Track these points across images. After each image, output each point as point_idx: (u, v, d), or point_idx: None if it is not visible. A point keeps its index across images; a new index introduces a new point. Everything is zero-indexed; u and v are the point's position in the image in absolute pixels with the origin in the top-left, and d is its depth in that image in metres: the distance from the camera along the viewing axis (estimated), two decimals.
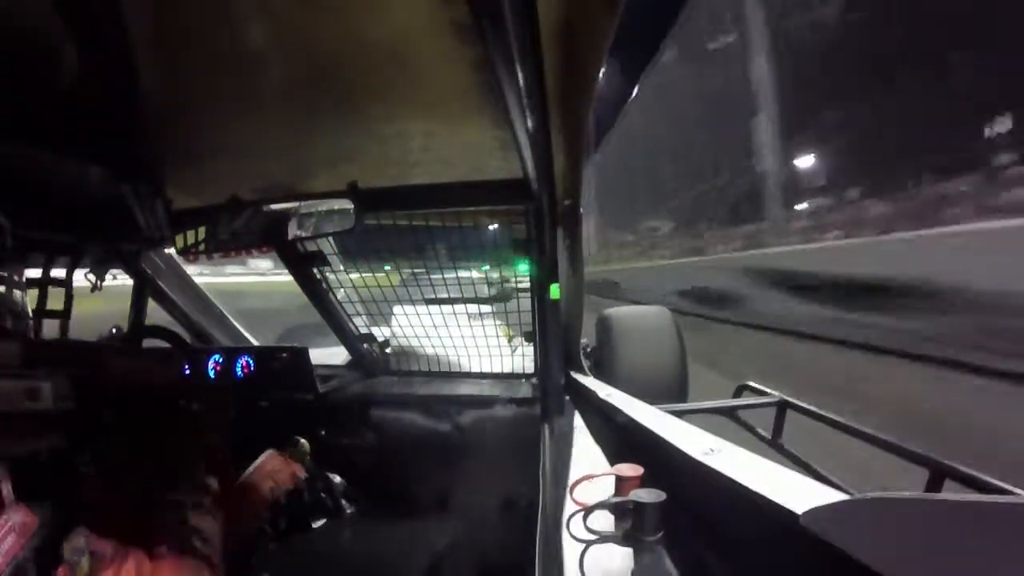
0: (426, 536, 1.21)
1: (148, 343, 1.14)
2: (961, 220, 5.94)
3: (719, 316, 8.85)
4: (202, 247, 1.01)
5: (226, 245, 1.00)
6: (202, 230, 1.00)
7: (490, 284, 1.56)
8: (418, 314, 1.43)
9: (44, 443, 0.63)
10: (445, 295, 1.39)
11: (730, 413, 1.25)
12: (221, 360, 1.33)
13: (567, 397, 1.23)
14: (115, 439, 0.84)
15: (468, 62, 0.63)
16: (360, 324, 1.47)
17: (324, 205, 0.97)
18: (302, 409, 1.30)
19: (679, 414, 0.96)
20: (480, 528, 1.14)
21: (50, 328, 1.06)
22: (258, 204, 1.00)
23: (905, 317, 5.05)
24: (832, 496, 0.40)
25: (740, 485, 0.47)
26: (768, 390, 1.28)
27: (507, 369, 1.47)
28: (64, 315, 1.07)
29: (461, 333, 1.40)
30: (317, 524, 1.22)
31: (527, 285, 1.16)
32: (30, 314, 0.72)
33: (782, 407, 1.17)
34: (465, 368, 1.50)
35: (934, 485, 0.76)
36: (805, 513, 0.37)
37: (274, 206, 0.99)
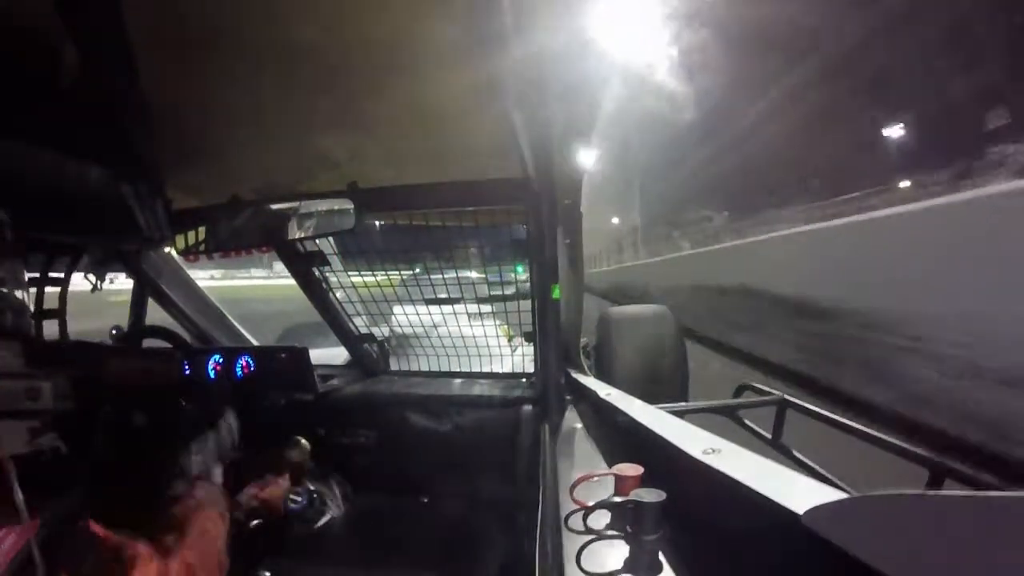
0: (425, 535, 1.21)
1: (148, 343, 1.14)
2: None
3: None
4: (202, 247, 1.01)
5: (226, 245, 1.01)
6: (202, 230, 1.00)
7: (490, 284, 1.56)
8: (418, 314, 1.43)
9: (44, 443, 0.64)
10: (445, 295, 1.39)
11: (730, 413, 1.25)
12: (221, 360, 1.32)
13: (567, 397, 1.23)
14: (115, 439, 0.84)
15: (468, 62, 0.63)
16: (360, 324, 1.47)
17: (324, 205, 0.97)
18: (302, 409, 1.30)
19: (679, 414, 0.96)
20: (480, 528, 1.14)
21: (50, 328, 1.06)
22: (258, 204, 1.00)
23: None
24: (833, 495, 0.40)
25: (740, 484, 0.47)
26: (768, 390, 1.28)
27: (507, 369, 1.47)
28: (61, 314, 1.07)
29: (461, 333, 1.40)
30: (317, 524, 1.22)
31: (527, 285, 1.16)
32: (31, 313, 0.72)
33: (782, 407, 1.17)
34: (465, 368, 1.50)
35: (934, 484, 0.77)
36: (806, 512, 0.37)
37: (274, 206, 0.99)
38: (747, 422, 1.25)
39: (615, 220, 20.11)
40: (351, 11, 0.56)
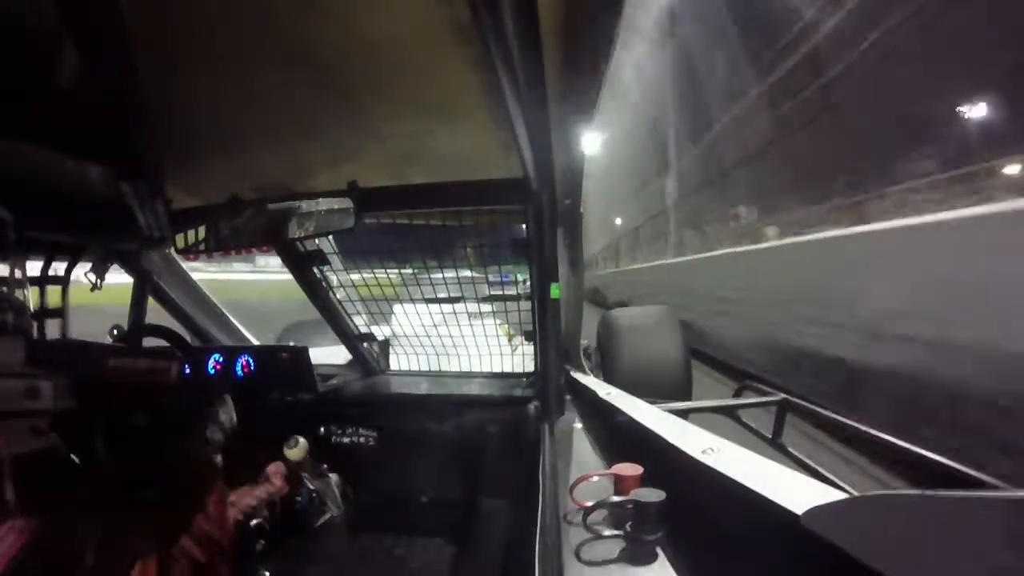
0: (425, 535, 1.21)
1: (148, 342, 1.14)
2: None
3: None
4: (202, 246, 1.01)
5: (226, 244, 1.00)
6: (202, 229, 1.00)
7: (490, 284, 1.56)
8: (418, 313, 1.43)
9: (44, 443, 0.63)
10: (445, 294, 1.39)
11: (731, 413, 1.25)
12: (221, 359, 1.33)
13: (567, 396, 1.23)
14: (115, 438, 0.84)
15: (468, 62, 0.63)
16: (360, 324, 1.47)
17: (324, 204, 0.97)
18: (302, 409, 1.30)
19: (679, 413, 0.96)
20: (479, 528, 1.14)
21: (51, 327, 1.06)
22: (258, 203, 1.00)
23: None
24: (832, 495, 0.40)
25: (740, 484, 0.47)
26: (769, 390, 1.28)
27: (507, 368, 1.47)
28: (63, 314, 1.07)
29: (461, 332, 1.40)
30: (317, 523, 1.22)
31: (527, 285, 1.16)
32: (31, 312, 0.72)
33: (783, 407, 1.17)
34: (465, 367, 1.50)
35: (934, 484, 0.76)
36: (806, 512, 0.37)
37: (274, 205, 0.99)
38: (747, 422, 1.25)
39: (618, 221, 17.52)
40: (351, 11, 0.56)
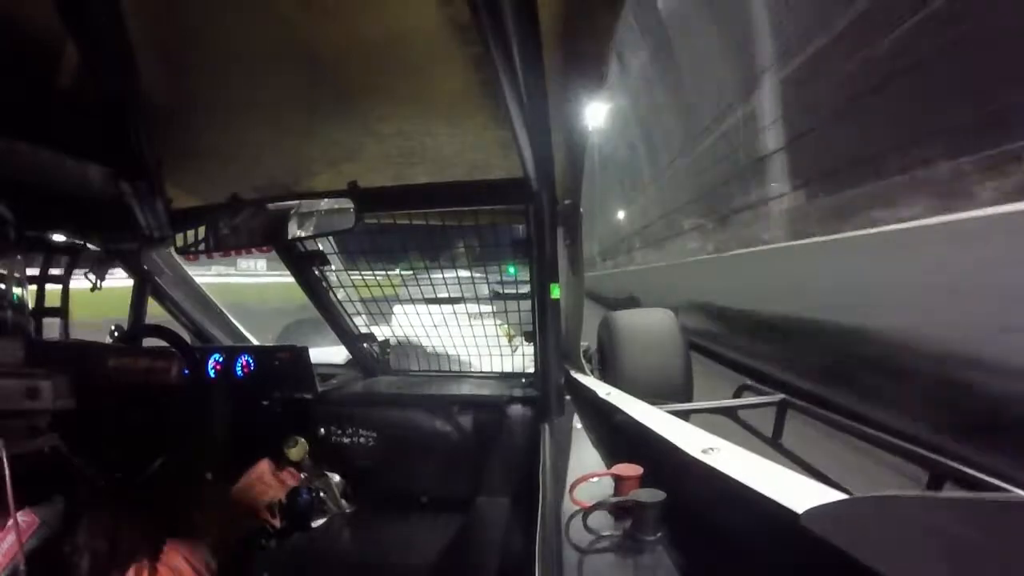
0: (425, 536, 1.21)
1: (148, 342, 1.14)
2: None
3: None
4: (202, 246, 1.01)
5: (226, 244, 1.00)
6: (202, 229, 1.00)
7: (490, 284, 1.56)
8: (418, 314, 1.43)
9: (44, 443, 0.63)
10: (445, 295, 1.39)
11: (730, 413, 1.25)
12: (221, 359, 1.33)
13: (567, 397, 1.23)
14: (115, 438, 0.84)
15: (468, 62, 0.63)
16: (360, 324, 1.47)
17: (324, 204, 0.97)
18: (302, 409, 1.30)
19: (679, 414, 0.96)
20: (479, 528, 1.14)
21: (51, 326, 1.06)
22: (258, 203, 1.00)
23: None
24: (832, 495, 0.40)
25: (740, 484, 0.47)
26: (769, 390, 1.28)
27: (507, 369, 1.47)
28: (63, 313, 1.07)
29: (461, 333, 1.40)
30: (317, 523, 1.22)
31: (527, 285, 1.16)
32: (31, 312, 0.72)
33: (782, 407, 1.17)
34: (465, 368, 1.50)
35: (934, 485, 0.77)
36: (805, 512, 0.37)
37: (274, 205, 0.99)
38: (747, 422, 1.25)
39: (620, 215, 15.41)
40: (351, 11, 0.56)
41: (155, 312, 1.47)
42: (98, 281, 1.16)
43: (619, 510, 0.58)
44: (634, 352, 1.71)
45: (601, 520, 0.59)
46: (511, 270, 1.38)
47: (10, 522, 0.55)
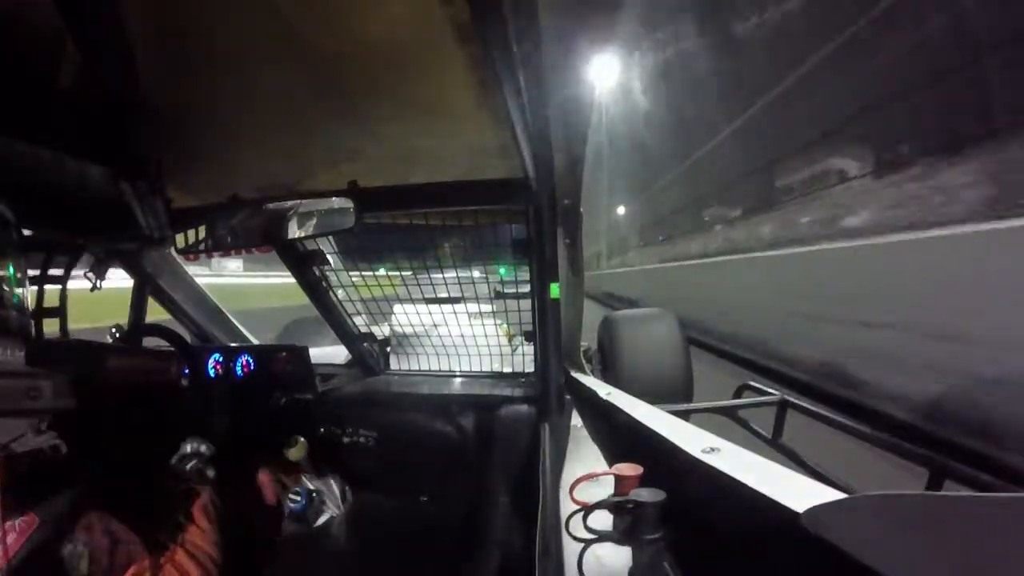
0: (425, 536, 1.21)
1: (148, 342, 1.14)
2: None
3: None
4: (202, 246, 1.01)
5: (226, 244, 1.00)
6: (202, 229, 1.00)
7: (490, 284, 1.56)
8: (418, 313, 1.43)
9: (44, 443, 0.64)
10: (445, 294, 1.39)
11: (730, 413, 1.25)
12: (221, 359, 1.33)
13: (567, 396, 1.23)
14: (115, 438, 0.84)
15: (468, 61, 0.63)
16: (360, 324, 1.47)
17: (324, 204, 0.97)
18: (302, 408, 1.30)
19: (679, 414, 0.96)
20: (479, 528, 1.14)
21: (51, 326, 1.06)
22: (258, 203, 1.00)
23: None
24: (832, 495, 0.40)
25: (740, 484, 0.47)
26: (769, 390, 1.28)
27: (507, 368, 1.47)
28: (61, 313, 1.07)
29: (461, 332, 1.40)
30: (317, 524, 1.22)
31: (527, 285, 1.16)
32: (31, 312, 0.72)
33: (783, 407, 1.17)
34: (465, 367, 1.50)
35: (934, 484, 0.77)
36: (805, 512, 0.37)
37: (274, 205, 0.99)
38: (747, 422, 1.25)
39: (620, 210, 13.89)
40: (351, 11, 0.56)
41: (155, 312, 1.47)
42: (98, 281, 1.16)
43: (619, 510, 0.58)
44: (634, 352, 1.71)
45: (601, 520, 0.59)
46: (502, 271, 1.38)
47: (10, 521, 0.55)
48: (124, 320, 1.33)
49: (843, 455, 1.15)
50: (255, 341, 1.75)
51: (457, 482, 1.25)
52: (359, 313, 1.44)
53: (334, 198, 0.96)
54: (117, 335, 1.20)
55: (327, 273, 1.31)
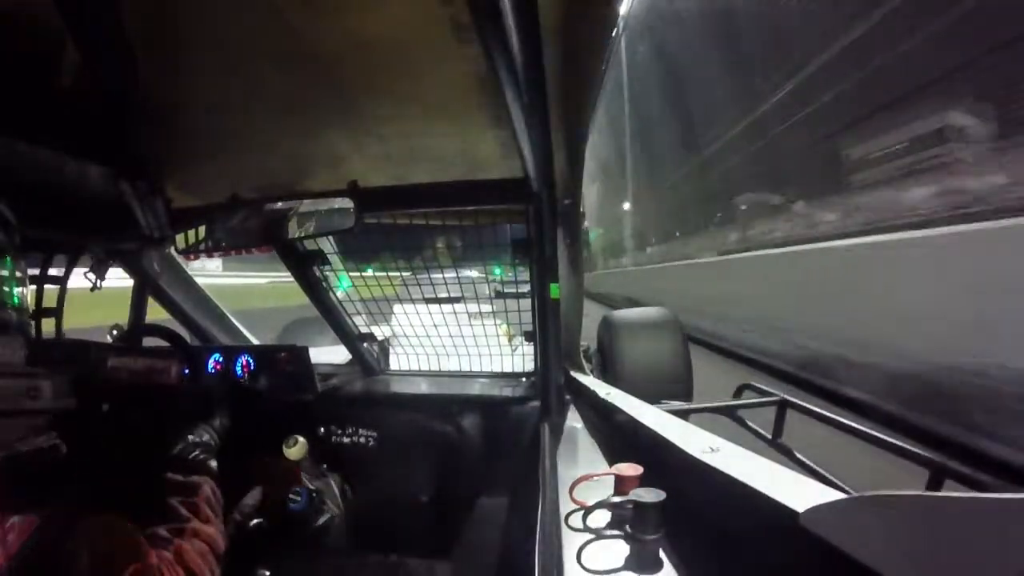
0: (425, 535, 1.21)
1: (148, 342, 1.14)
2: None
3: None
4: (202, 246, 1.01)
5: (226, 244, 1.00)
6: (202, 229, 1.00)
7: (490, 284, 1.56)
8: (418, 313, 1.43)
9: (44, 442, 0.63)
10: (445, 294, 1.39)
11: (731, 413, 1.25)
12: (221, 359, 1.33)
13: (567, 396, 1.23)
14: (114, 438, 0.84)
15: (468, 62, 0.63)
16: (360, 324, 1.47)
17: (324, 204, 0.97)
18: (302, 408, 1.30)
19: (679, 414, 0.96)
20: (480, 528, 1.14)
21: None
22: (258, 203, 1.00)
23: None
24: (832, 495, 0.40)
25: (740, 484, 0.47)
26: (769, 390, 1.28)
27: (507, 368, 1.47)
28: (58, 314, 1.07)
29: (461, 332, 1.40)
30: (316, 523, 1.22)
31: (527, 284, 1.16)
32: (31, 312, 0.72)
33: (783, 407, 1.17)
34: (465, 367, 1.50)
35: (934, 485, 0.77)
36: (805, 512, 0.37)
37: (274, 205, 0.99)
38: (747, 422, 1.25)
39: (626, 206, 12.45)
40: (351, 11, 0.56)
41: (155, 312, 1.47)
42: (98, 281, 1.16)
43: (619, 510, 0.58)
44: (634, 352, 1.71)
45: (601, 519, 0.59)
46: (511, 270, 1.38)
47: (10, 522, 0.55)
48: (117, 320, 1.33)
49: (843, 455, 1.15)
50: (255, 341, 1.75)
51: (457, 482, 1.25)
52: (359, 313, 1.44)
53: (334, 198, 0.96)
54: (117, 335, 1.20)
55: (327, 273, 1.31)
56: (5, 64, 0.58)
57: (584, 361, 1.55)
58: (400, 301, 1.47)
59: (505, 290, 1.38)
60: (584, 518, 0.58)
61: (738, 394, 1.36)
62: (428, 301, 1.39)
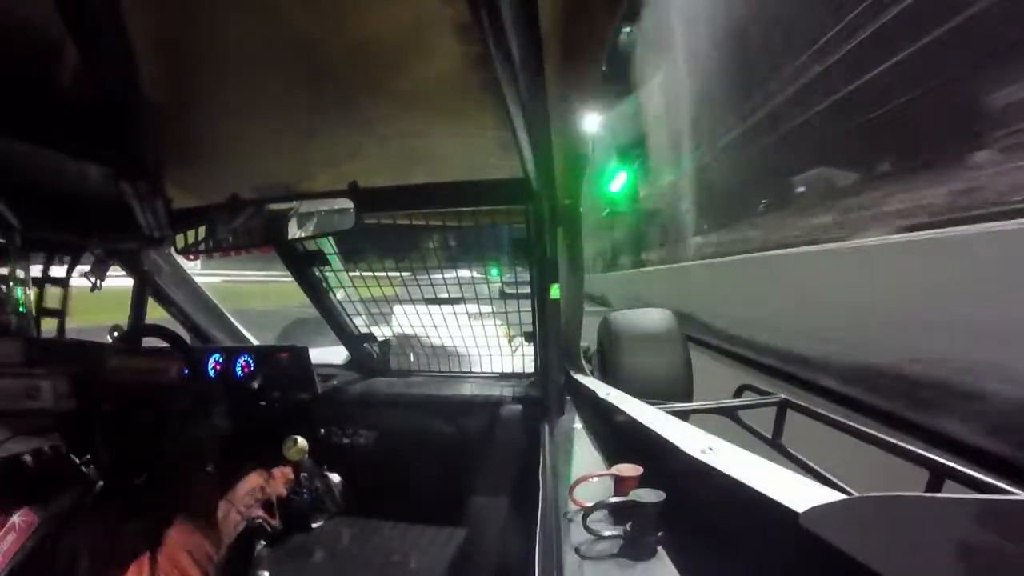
0: (425, 535, 1.21)
1: (148, 342, 1.15)
2: None
3: None
4: (202, 246, 1.01)
5: (226, 244, 1.01)
6: (202, 229, 1.00)
7: (490, 284, 1.56)
8: (418, 314, 1.43)
9: (44, 442, 0.64)
10: (445, 295, 1.39)
11: (730, 413, 1.25)
12: (221, 359, 1.33)
13: (567, 397, 1.23)
14: (114, 438, 0.84)
15: (468, 62, 0.63)
16: (360, 324, 1.47)
17: (324, 204, 0.97)
18: (302, 409, 1.30)
19: (679, 414, 0.96)
20: (479, 528, 1.14)
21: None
22: (258, 203, 1.00)
23: None
24: (832, 496, 0.40)
25: (740, 484, 0.47)
26: (769, 390, 1.28)
27: (507, 369, 1.47)
28: (61, 314, 1.07)
29: (461, 333, 1.40)
30: (317, 523, 1.22)
31: (527, 285, 1.16)
32: (33, 312, 0.72)
33: (782, 407, 1.17)
34: (465, 368, 1.50)
35: (934, 485, 0.76)
36: (805, 512, 0.37)
37: (274, 205, 0.99)
38: (747, 423, 1.25)
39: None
40: (351, 10, 0.56)
41: (155, 312, 1.47)
42: (98, 281, 1.16)
43: (619, 510, 0.58)
44: (634, 352, 1.71)
45: (601, 520, 0.59)
46: (511, 270, 1.38)
47: (10, 521, 0.55)
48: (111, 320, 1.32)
49: (843, 456, 1.15)
50: (255, 341, 1.75)
51: (457, 482, 1.25)
52: (359, 313, 1.44)
53: (334, 198, 0.96)
54: (117, 335, 1.20)
55: (327, 273, 1.31)
56: (5, 64, 0.59)
57: (584, 361, 1.55)
58: (400, 302, 1.47)
59: (505, 290, 1.38)
60: (584, 518, 0.58)
61: (738, 394, 1.36)
62: (428, 302, 1.39)
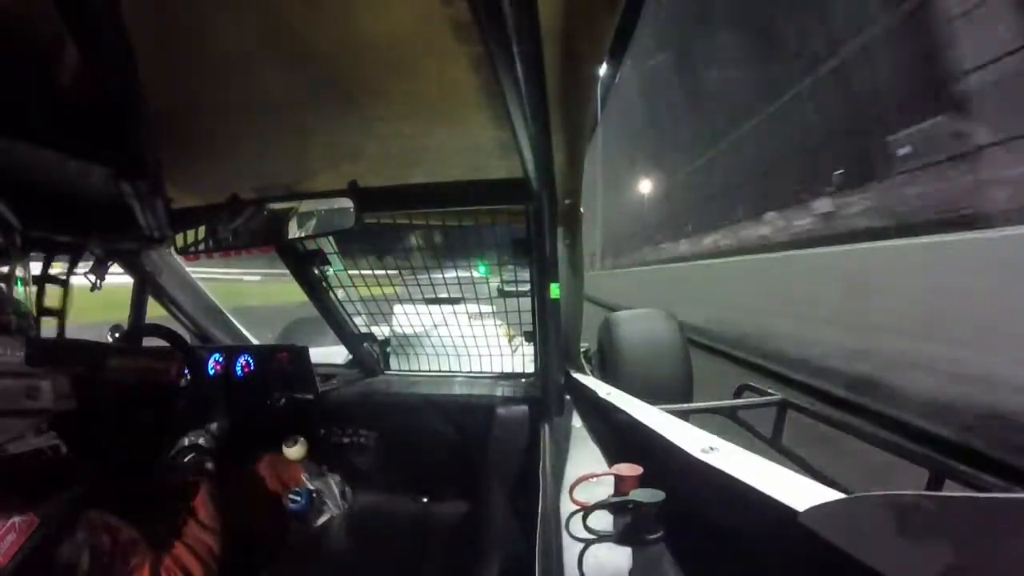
0: (425, 536, 1.21)
1: (148, 342, 1.14)
2: None
3: None
4: (202, 246, 1.01)
5: (226, 244, 1.00)
6: (202, 229, 1.00)
7: (489, 284, 1.56)
8: (418, 314, 1.43)
9: (44, 442, 0.64)
10: (445, 295, 1.39)
11: (730, 413, 1.25)
12: (221, 359, 1.33)
13: (567, 397, 1.23)
14: (114, 437, 0.84)
15: (468, 61, 0.63)
16: (360, 324, 1.47)
17: (324, 204, 0.97)
18: (302, 408, 1.30)
19: (679, 414, 0.96)
20: (480, 528, 1.14)
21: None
22: (258, 203, 1.00)
23: None
24: (832, 495, 0.40)
25: (740, 484, 0.47)
26: (769, 390, 1.28)
27: (507, 369, 1.47)
28: (61, 314, 1.07)
29: (461, 333, 1.40)
30: (316, 523, 1.22)
31: (527, 285, 1.16)
32: (33, 312, 0.72)
33: (782, 407, 1.17)
34: (465, 368, 1.50)
35: (934, 485, 0.77)
36: (804, 512, 0.37)
37: (274, 205, 0.99)
38: (747, 423, 1.25)
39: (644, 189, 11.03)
40: (351, 11, 0.56)
41: (155, 312, 1.47)
42: (98, 281, 1.16)
43: (619, 510, 0.58)
44: (634, 352, 1.71)
45: (601, 520, 0.59)
46: (511, 270, 1.38)
47: (10, 521, 0.55)
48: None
49: (843, 455, 1.15)
50: (255, 341, 1.75)
51: (457, 482, 1.25)
52: (359, 313, 1.44)
53: (334, 198, 0.96)
54: (117, 335, 1.20)
55: (327, 273, 1.31)
56: (5, 64, 0.59)
57: (584, 361, 1.55)
58: (400, 301, 1.47)
59: (505, 290, 1.38)
60: (584, 518, 0.58)
61: (738, 394, 1.36)
62: (428, 302, 1.39)
